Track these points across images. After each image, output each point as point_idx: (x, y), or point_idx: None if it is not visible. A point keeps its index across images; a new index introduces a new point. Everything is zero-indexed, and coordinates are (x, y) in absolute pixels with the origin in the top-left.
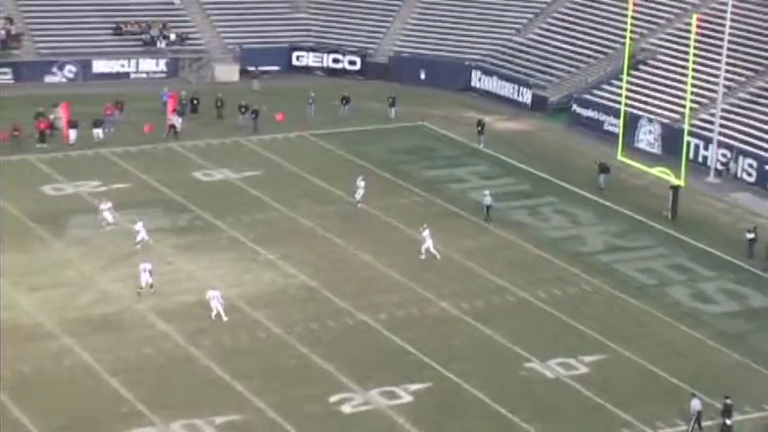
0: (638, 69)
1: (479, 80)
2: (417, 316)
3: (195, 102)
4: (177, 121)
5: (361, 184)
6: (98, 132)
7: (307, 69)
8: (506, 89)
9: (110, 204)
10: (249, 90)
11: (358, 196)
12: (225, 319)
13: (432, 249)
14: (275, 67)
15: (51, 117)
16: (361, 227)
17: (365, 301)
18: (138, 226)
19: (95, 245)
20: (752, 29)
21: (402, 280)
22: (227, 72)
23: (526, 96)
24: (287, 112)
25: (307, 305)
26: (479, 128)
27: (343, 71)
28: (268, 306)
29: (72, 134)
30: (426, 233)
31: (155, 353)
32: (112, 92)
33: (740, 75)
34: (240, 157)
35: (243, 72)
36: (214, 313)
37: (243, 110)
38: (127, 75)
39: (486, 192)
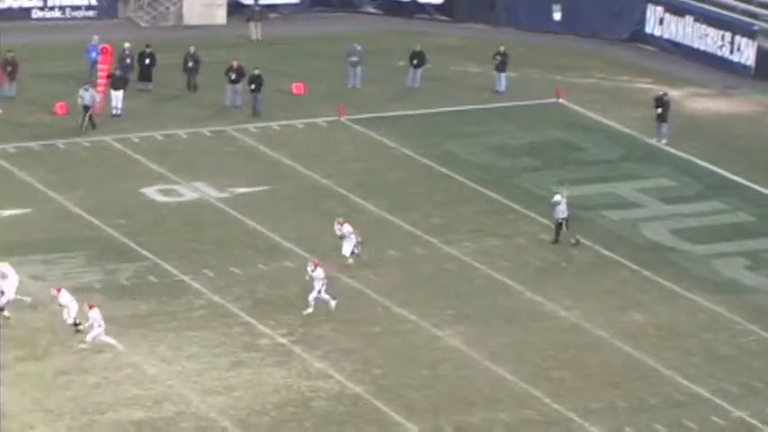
0: None
1: (660, 23)
2: None
3: (148, 61)
4: (116, 96)
5: (342, 229)
6: None
7: (347, 3)
8: (709, 39)
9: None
10: (245, 41)
11: (347, 250)
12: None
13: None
14: (291, 0)
15: None
16: (443, 286)
17: (453, 421)
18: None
19: None
20: None
21: (521, 385)
22: (205, 9)
23: (746, 52)
24: (310, 81)
25: (347, 430)
26: (659, 110)
27: (414, 5)
28: (277, 431)
29: None
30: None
31: None
32: None
33: None
34: (228, 159)
35: (233, 9)
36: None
37: (233, 76)
38: (27, 12)
39: (558, 196)
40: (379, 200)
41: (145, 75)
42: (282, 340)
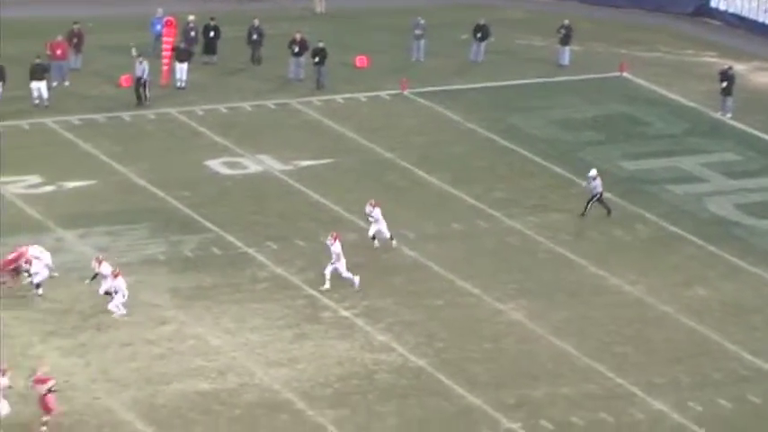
0: None
1: None
2: (612, 425)
3: (212, 34)
4: (181, 68)
5: (373, 212)
6: (39, 88)
7: None
8: None
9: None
10: (309, 14)
11: (372, 233)
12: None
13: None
14: None
15: None
16: (506, 259)
17: (515, 394)
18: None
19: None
20: None
21: (584, 360)
22: None
23: None
24: (374, 54)
25: (410, 404)
26: (724, 84)
27: None
28: (340, 405)
29: None
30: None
31: None
32: (63, 16)
33: None
34: (292, 132)
35: None
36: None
37: (296, 49)
38: None
39: (594, 171)
40: (443, 173)
41: (209, 47)
42: (345, 313)
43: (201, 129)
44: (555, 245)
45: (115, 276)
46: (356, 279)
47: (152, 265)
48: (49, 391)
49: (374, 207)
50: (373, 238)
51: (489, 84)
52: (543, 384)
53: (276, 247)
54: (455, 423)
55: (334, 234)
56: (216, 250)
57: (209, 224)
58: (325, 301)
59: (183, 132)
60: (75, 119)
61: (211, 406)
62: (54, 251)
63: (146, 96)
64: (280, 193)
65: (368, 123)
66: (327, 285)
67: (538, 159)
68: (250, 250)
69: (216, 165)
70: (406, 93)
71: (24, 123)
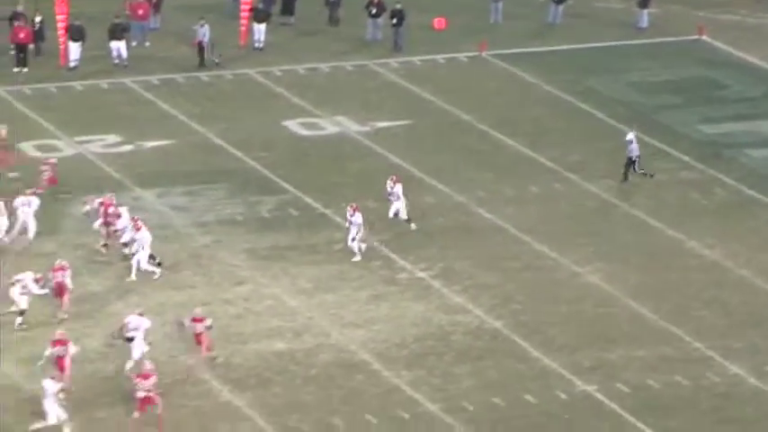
0: None
1: None
2: (688, 388)
3: None
4: (259, 29)
5: (394, 189)
6: (119, 48)
7: None
8: None
9: (96, 202)
10: None
11: (394, 212)
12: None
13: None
14: None
15: (36, 21)
16: (583, 223)
17: (591, 357)
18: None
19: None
20: None
21: (660, 323)
22: None
23: None
24: (452, 16)
25: (486, 365)
26: None
27: None
28: (416, 366)
29: (73, 50)
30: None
31: None
32: None
33: None
34: (370, 94)
35: None
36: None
37: (374, 10)
38: None
39: (631, 134)
40: (520, 136)
41: (287, 8)
42: (421, 274)
43: (279, 89)
44: (632, 208)
45: (138, 230)
46: (362, 245)
47: (229, 225)
48: (207, 328)
49: (395, 183)
50: (396, 215)
51: (567, 46)
52: (619, 347)
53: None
54: (530, 385)
55: (354, 205)
56: (293, 211)
57: (286, 185)
58: (402, 262)
59: (261, 93)
60: (154, 79)
61: (287, 366)
62: (132, 210)
63: (203, 59)
64: (357, 155)
65: (445, 85)
66: (358, 257)
67: (614, 122)
68: (327, 211)
69: (293, 126)
70: (483, 55)
71: (103, 83)
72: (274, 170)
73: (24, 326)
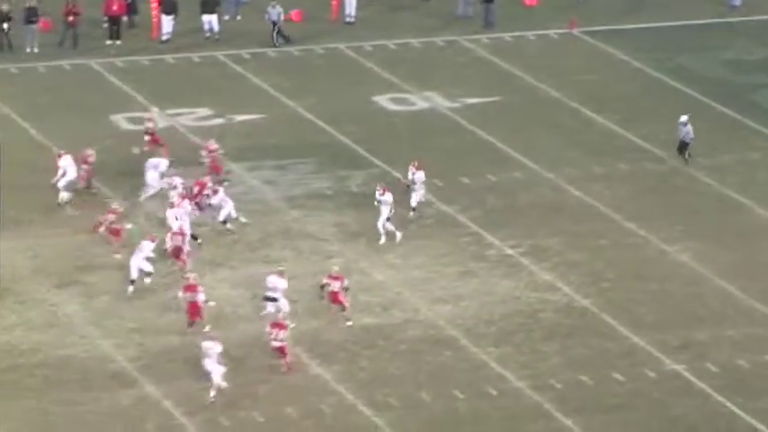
0: None
1: None
2: None
3: None
4: (350, 3)
5: (415, 176)
6: (211, 21)
7: None
8: None
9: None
10: None
11: (415, 200)
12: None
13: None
14: None
15: None
16: (672, 202)
17: (680, 336)
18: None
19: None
20: None
21: (750, 302)
22: None
23: None
24: None
25: (574, 343)
26: None
27: None
28: (504, 342)
29: (166, 23)
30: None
31: None
32: None
33: None
34: (460, 70)
35: None
36: None
37: None
38: None
39: (684, 117)
40: (610, 113)
41: None
42: (510, 251)
43: (369, 64)
44: (722, 186)
45: (215, 192)
46: (399, 234)
47: (319, 199)
48: (343, 289)
49: (417, 170)
50: (414, 209)
51: (658, 24)
52: (708, 327)
53: (441, 184)
54: (619, 363)
55: (384, 186)
56: None
57: (375, 159)
58: (490, 239)
59: (351, 68)
60: (244, 52)
61: (376, 341)
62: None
63: (275, 40)
64: (446, 130)
65: (536, 62)
66: (384, 240)
67: (706, 100)
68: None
69: (383, 101)
70: (574, 32)
71: (195, 56)
72: (363, 145)
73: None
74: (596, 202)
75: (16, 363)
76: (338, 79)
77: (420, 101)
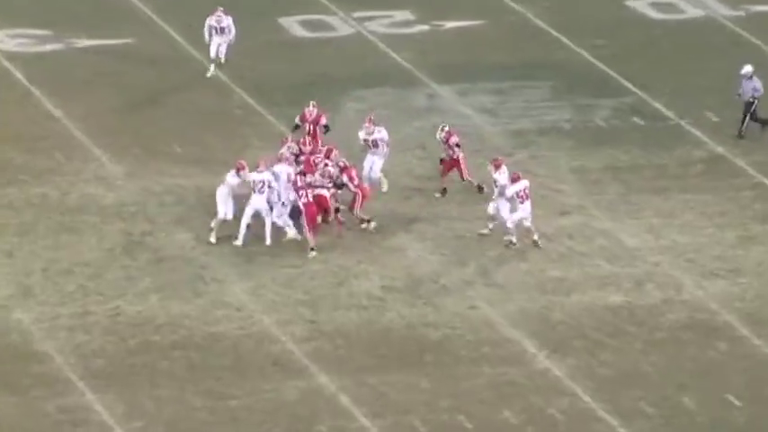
0: None
1: None
2: None
3: None
4: None
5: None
6: None
7: None
8: None
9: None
10: None
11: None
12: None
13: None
14: None
15: None
16: None
17: None
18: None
19: None
20: None
21: None
22: None
23: None
24: None
25: None
26: None
27: None
28: None
29: None
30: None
31: None
32: None
33: None
34: None
35: None
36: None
37: None
38: None
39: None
40: None
41: None
42: None
43: None
44: None
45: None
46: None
47: (554, 136)
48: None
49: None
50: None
51: None
52: None
53: (717, 119)
54: None
55: (499, 159)
56: (637, 120)
57: (628, 84)
58: None
59: None
60: None
61: (624, 326)
62: (425, 111)
63: None
64: (724, 47)
65: None
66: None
67: None
68: (682, 122)
69: (642, 6)
70: None
71: None
72: (613, 64)
73: None
74: None
75: (149, 341)
76: None
77: (691, 7)
